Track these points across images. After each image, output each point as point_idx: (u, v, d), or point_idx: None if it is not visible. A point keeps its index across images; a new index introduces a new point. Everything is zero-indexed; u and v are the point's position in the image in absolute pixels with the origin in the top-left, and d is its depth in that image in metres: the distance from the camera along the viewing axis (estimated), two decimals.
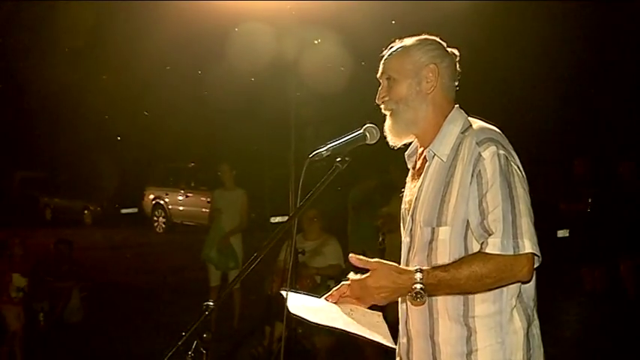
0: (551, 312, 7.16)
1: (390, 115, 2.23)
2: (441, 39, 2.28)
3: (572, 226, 8.38)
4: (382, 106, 2.25)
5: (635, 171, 8.12)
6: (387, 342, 2.13)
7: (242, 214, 7.28)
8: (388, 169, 6.18)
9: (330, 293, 2.21)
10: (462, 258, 2.01)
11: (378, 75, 2.28)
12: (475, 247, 2.03)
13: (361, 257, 2.04)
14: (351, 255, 2.05)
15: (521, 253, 1.95)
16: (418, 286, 1.97)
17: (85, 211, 18.22)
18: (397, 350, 2.27)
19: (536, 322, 2.12)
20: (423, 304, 2.04)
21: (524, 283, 2.05)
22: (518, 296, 2.07)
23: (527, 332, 2.07)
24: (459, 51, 2.28)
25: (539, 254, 1.98)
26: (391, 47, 2.28)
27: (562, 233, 8.57)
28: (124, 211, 17.86)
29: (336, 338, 5.55)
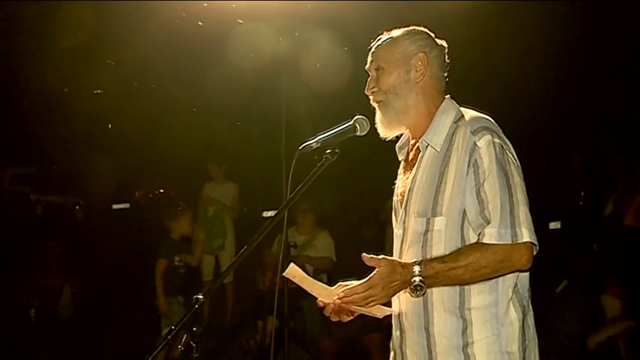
0: (544, 303, 7.18)
1: (380, 106, 2.22)
2: (436, 36, 2.26)
3: (564, 218, 8.39)
4: (371, 98, 2.24)
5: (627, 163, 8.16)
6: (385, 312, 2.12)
7: (233, 204, 7.30)
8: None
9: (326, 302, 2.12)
10: (460, 249, 2.00)
11: (367, 66, 2.27)
12: (472, 237, 2.02)
13: (372, 256, 1.99)
14: (363, 255, 1.99)
15: (519, 242, 1.95)
16: (417, 279, 1.96)
17: (77, 207, 18.14)
18: (391, 344, 2.26)
19: (531, 313, 2.12)
20: (422, 296, 2.02)
21: (523, 271, 2.05)
22: (514, 287, 2.06)
23: (523, 324, 2.06)
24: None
25: (536, 243, 1.98)
26: (379, 38, 2.27)
27: (554, 225, 8.58)
28: (115, 206, 17.79)
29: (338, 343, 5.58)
